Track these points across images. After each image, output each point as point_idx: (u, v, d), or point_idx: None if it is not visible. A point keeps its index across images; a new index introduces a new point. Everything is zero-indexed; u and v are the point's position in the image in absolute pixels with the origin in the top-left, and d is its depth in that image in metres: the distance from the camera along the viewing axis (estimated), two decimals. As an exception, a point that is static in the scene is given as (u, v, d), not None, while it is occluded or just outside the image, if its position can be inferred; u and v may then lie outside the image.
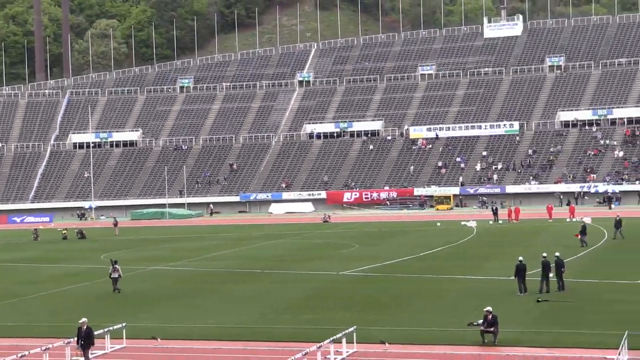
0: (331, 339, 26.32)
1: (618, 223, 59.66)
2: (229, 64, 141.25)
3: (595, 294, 36.68)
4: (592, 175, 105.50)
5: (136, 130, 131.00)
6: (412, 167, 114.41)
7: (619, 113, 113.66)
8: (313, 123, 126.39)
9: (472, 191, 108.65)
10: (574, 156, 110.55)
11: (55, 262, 57.49)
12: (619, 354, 23.85)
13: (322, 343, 25.98)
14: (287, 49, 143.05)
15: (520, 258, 37.57)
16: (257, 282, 44.35)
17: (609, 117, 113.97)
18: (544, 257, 37.44)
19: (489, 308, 28.27)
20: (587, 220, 68.64)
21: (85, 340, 26.16)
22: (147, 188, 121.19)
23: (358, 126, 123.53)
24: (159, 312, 35.94)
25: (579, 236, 55.05)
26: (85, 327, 26.31)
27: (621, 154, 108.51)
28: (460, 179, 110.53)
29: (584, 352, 26.37)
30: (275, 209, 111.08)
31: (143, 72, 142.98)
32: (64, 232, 79.05)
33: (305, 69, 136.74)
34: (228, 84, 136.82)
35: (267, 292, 40.50)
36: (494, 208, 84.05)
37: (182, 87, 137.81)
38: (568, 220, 77.60)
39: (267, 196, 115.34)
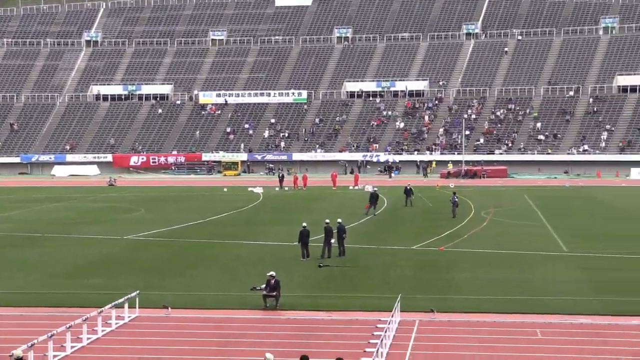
0: (113, 303, 26.08)
1: (409, 191, 62.18)
2: (11, 19, 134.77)
3: (373, 259, 38.27)
4: (374, 145, 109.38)
5: None
6: (198, 132, 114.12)
7: (401, 86, 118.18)
8: (100, 84, 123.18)
9: (259, 158, 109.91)
10: (358, 126, 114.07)
11: None
12: (392, 316, 25.11)
13: (103, 308, 25.69)
14: (74, 6, 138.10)
15: (304, 224, 38.52)
16: (38, 246, 43.01)
17: (392, 89, 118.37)
18: (327, 223, 38.60)
19: (272, 273, 28.92)
20: (369, 188, 71.06)
21: None
22: None
23: (147, 89, 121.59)
24: None
25: (368, 207, 56.56)
26: None
27: (402, 125, 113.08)
28: (242, 145, 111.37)
29: (361, 314, 27.58)
30: (59, 171, 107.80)
31: None
32: None
33: (93, 28, 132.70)
34: (9, 40, 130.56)
35: (49, 257, 39.40)
36: (280, 175, 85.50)
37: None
38: (351, 188, 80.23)
39: (50, 158, 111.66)
